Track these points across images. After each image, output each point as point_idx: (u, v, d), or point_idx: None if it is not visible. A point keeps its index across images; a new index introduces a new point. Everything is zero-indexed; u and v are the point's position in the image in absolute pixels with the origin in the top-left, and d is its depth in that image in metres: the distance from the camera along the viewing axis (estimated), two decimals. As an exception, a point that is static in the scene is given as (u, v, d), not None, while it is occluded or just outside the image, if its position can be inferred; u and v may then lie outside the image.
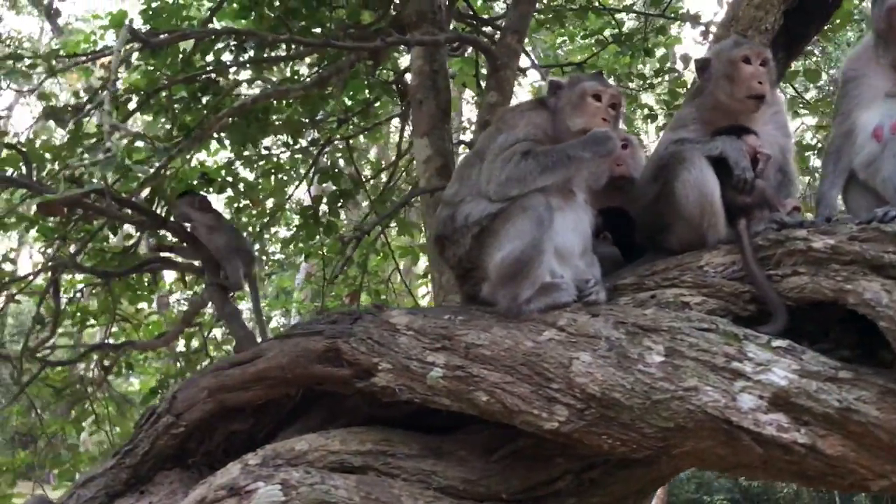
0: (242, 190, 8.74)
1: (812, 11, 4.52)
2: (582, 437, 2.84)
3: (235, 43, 7.88)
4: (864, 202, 3.16)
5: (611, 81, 3.55)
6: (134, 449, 3.52)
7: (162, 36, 5.29)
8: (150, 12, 8.14)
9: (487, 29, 7.59)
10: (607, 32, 8.24)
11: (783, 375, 2.60)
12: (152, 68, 7.67)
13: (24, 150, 5.74)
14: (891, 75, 3.18)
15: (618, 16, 8.17)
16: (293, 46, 7.46)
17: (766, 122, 3.36)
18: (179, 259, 6.26)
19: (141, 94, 7.50)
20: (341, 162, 9.77)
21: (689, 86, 8.73)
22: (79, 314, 7.82)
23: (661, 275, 3.18)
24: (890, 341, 2.51)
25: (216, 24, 7.71)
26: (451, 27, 6.19)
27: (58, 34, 7.77)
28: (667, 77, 8.12)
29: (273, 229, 10.37)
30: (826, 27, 6.03)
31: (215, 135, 7.87)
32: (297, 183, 9.70)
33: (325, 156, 10.24)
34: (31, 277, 6.80)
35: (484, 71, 7.74)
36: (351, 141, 9.67)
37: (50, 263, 5.96)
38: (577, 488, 3.19)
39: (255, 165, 9.22)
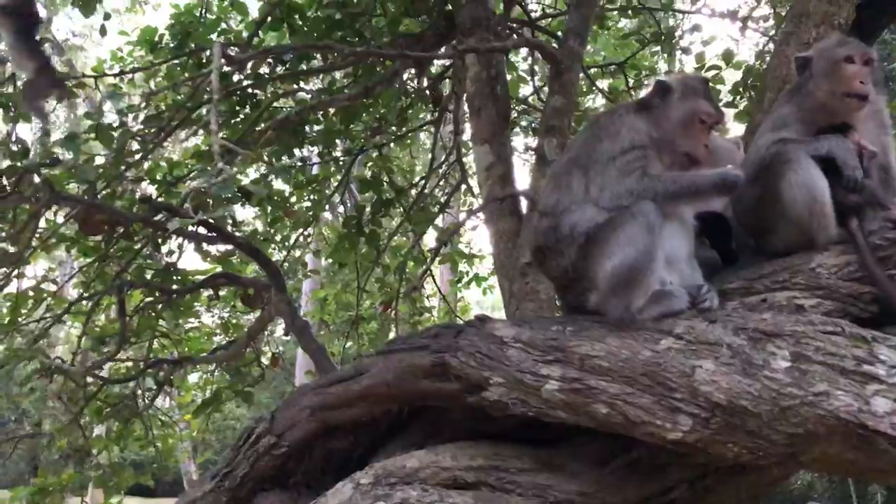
0: (278, 201, 8.71)
1: (883, 4, 4.48)
2: (707, 447, 2.79)
3: (274, 56, 7.90)
4: None
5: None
6: (232, 471, 3.49)
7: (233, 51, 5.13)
8: (180, 27, 8.18)
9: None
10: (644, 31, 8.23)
11: (921, 378, 2.55)
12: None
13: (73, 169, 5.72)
14: None
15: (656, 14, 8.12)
16: (330, 57, 7.50)
17: (867, 120, 3.30)
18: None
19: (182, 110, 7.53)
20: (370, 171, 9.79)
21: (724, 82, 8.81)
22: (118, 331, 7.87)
23: (770, 277, 3.13)
24: None
25: (256, 39, 7.72)
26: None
27: (58, 53, 7.74)
28: (706, 74, 8.06)
29: (309, 239, 10.37)
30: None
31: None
32: (331, 193, 9.71)
33: (360, 164, 10.27)
34: (86, 297, 6.76)
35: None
36: (384, 149, 9.65)
37: (116, 282, 5.90)
38: (692, 496, 3.15)
39: (292, 177, 9.21)
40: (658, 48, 8.04)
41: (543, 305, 4.58)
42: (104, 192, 6.80)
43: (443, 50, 7.01)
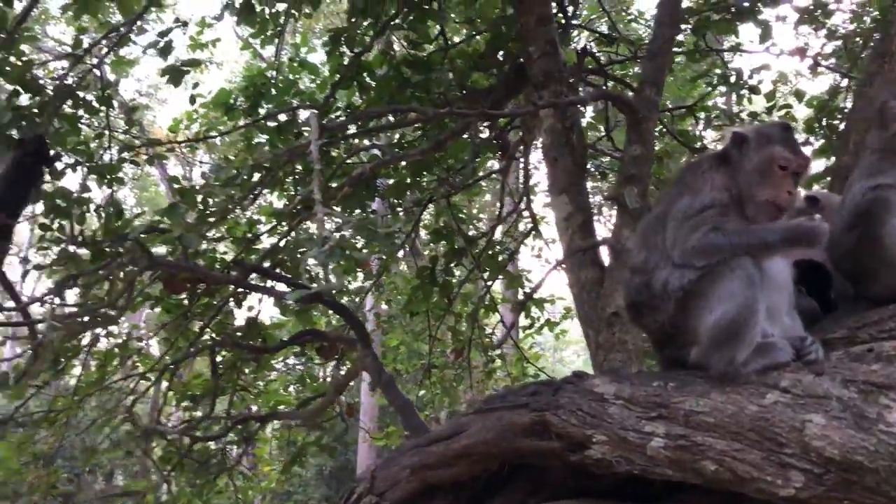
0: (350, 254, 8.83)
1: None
2: (820, 503, 2.73)
3: (349, 112, 8.13)
4: None
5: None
6: (335, 530, 3.53)
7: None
8: (253, 89, 8.47)
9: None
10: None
11: None
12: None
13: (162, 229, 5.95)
14: None
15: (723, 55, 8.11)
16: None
17: None
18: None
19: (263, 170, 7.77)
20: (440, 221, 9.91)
21: (796, 120, 8.71)
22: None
23: (875, 326, 3.06)
24: None
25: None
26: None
27: (128, 114, 8.07)
28: (779, 113, 7.99)
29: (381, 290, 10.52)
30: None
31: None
32: (401, 243, 9.83)
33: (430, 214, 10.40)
34: (172, 358, 6.96)
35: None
36: (452, 198, 9.76)
37: (207, 342, 6.08)
38: (804, 554, 3.05)
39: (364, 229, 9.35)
40: (726, 89, 8.01)
41: (631, 356, 4.56)
42: (189, 252, 7.04)
43: (511, 104, 7.12)
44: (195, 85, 7.68)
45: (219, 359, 7.67)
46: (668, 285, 3.11)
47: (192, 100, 7.58)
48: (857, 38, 7.58)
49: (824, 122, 7.52)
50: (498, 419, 3.26)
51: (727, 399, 2.90)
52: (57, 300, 5.13)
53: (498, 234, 9.95)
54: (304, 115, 8.36)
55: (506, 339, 6.92)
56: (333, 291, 5.25)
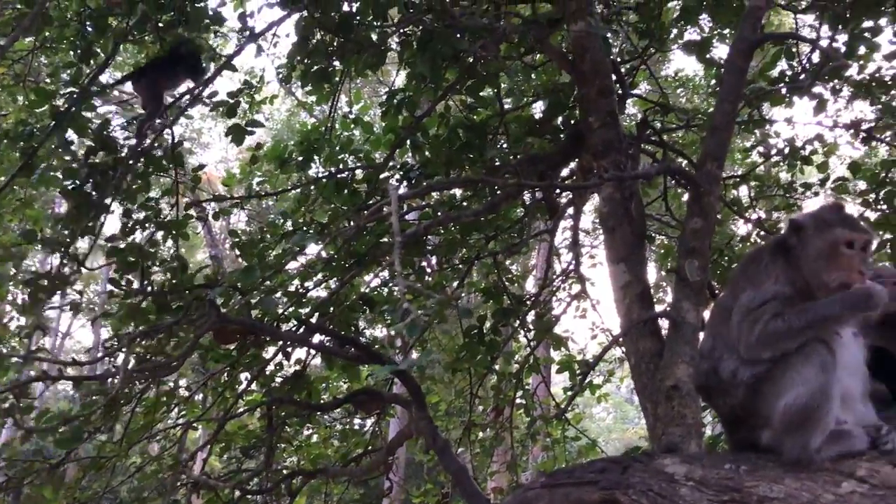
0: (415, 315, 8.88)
1: None
2: None
3: (402, 173, 8.29)
4: None
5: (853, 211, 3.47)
6: None
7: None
8: (307, 145, 8.68)
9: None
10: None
11: None
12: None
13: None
14: None
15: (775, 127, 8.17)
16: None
17: None
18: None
19: (316, 225, 7.94)
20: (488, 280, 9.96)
21: (850, 192, 8.69)
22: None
23: (953, 417, 3.04)
24: None
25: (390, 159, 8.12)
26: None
27: (196, 181, 8.33)
28: (831, 185, 7.99)
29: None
30: None
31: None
32: (449, 300, 9.87)
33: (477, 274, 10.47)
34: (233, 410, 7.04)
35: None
36: (499, 257, 9.82)
37: (265, 397, 6.17)
38: None
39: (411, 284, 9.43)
40: (780, 159, 8.04)
41: (691, 430, 4.53)
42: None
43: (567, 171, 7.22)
44: (258, 146, 7.90)
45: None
46: (736, 374, 3.11)
47: (254, 160, 7.80)
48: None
49: (881, 195, 7.49)
50: (565, 495, 3.27)
51: (801, 486, 2.88)
52: (122, 351, 5.24)
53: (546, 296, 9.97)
54: (358, 172, 8.58)
55: (565, 411, 6.83)
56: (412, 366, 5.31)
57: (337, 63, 7.92)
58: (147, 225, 6.39)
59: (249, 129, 7.09)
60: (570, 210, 8.75)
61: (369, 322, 9.70)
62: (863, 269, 3.13)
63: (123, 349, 5.11)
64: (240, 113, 7.42)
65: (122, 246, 5.97)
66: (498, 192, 7.32)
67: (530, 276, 16.21)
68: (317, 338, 7.45)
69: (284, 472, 7.49)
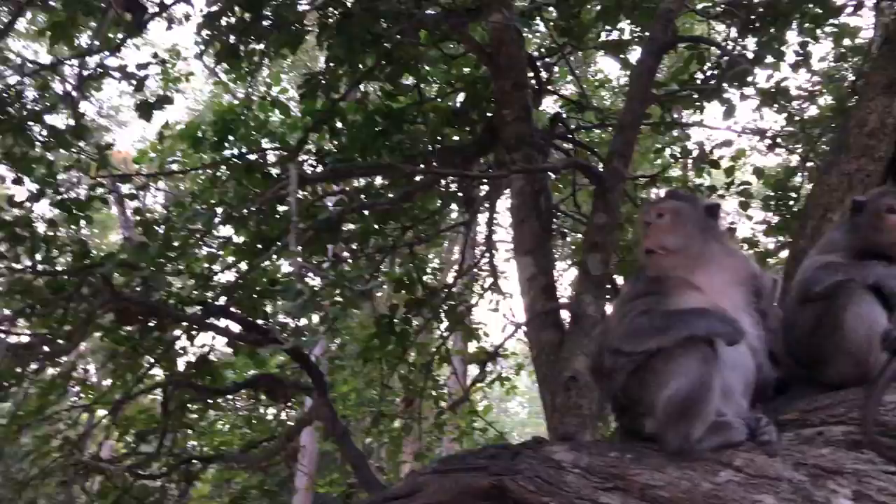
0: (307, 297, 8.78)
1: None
2: (768, 584, 2.78)
3: (317, 158, 8.17)
4: None
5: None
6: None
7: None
8: (223, 124, 8.48)
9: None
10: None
11: (984, 524, 2.56)
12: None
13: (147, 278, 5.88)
14: None
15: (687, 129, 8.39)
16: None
17: None
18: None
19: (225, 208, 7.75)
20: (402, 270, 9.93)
21: (754, 195, 8.98)
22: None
23: (826, 411, 3.15)
24: None
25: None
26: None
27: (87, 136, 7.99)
28: (737, 189, 8.25)
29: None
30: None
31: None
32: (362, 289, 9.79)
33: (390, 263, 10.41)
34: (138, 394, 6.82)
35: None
36: (415, 247, 9.79)
37: (164, 380, 5.99)
38: None
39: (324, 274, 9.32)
40: (689, 162, 8.26)
41: (586, 421, 4.61)
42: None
43: (482, 163, 7.24)
44: (166, 124, 7.67)
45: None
46: (617, 360, 3.19)
47: (161, 137, 7.57)
48: (812, 124, 7.90)
49: (781, 200, 7.78)
50: (455, 481, 3.26)
51: (682, 475, 2.95)
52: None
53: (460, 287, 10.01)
54: (271, 155, 8.42)
55: (467, 395, 6.87)
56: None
57: (259, 45, 7.75)
58: (42, 199, 6.09)
59: (158, 105, 6.85)
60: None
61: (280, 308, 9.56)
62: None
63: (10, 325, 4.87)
64: (156, 89, 7.19)
65: (10, 218, 5.69)
66: (418, 180, 7.33)
67: (452, 269, 16.26)
68: (223, 323, 7.31)
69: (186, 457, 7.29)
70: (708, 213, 3.37)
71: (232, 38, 6.85)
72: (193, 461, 6.86)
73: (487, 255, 8.71)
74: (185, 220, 7.15)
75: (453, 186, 8.51)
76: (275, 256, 8.20)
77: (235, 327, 7.09)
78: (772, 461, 2.91)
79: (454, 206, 9.62)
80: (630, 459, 3.08)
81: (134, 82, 7.15)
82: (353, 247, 9.22)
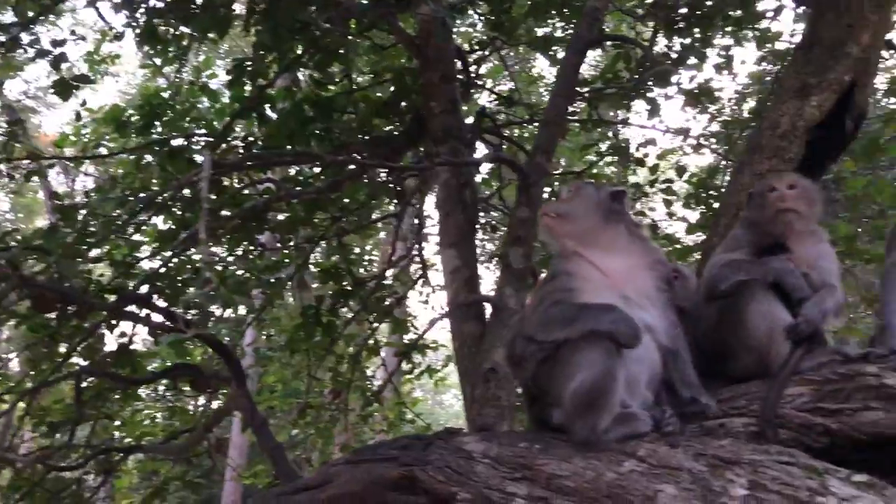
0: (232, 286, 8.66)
1: (829, 143, 4.80)
2: (669, 571, 2.85)
3: (244, 145, 8.03)
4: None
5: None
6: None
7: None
8: (149, 108, 8.29)
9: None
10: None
11: (868, 511, 2.68)
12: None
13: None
14: None
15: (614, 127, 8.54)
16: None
17: (804, 239, 3.52)
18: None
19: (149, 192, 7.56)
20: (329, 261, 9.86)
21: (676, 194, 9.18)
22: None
23: (728, 403, 3.26)
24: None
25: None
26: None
27: (11, 115, 7.75)
28: (661, 186, 8.43)
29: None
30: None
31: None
32: (288, 279, 9.70)
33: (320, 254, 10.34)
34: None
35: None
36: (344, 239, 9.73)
37: (77, 369, 5.81)
38: None
39: (251, 262, 9.20)
40: (614, 159, 8.40)
41: (504, 412, 4.66)
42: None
43: (410, 155, 7.23)
44: (83, 103, 7.42)
45: (84, 385, 7.31)
46: (527, 349, 3.25)
47: (78, 116, 7.33)
48: (734, 126, 8.12)
49: (702, 197, 7.97)
50: (367, 471, 3.27)
51: (587, 465, 3.01)
52: None
53: (390, 279, 9.98)
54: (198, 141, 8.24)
55: (385, 386, 6.86)
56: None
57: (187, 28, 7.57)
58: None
59: (76, 84, 6.62)
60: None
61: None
62: None
63: None
64: (80, 69, 6.94)
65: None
66: (347, 170, 7.26)
67: (377, 258, 16.21)
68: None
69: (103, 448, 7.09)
70: (612, 198, 3.47)
71: (150, 20, 6.65)
72: (111, 452, 6.67)
73: (417, 247, 8.69)
74: (93, 205, 6.94)
75: (384, 177, 8.48)
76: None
77: (157, 317, 6.91)
78: (674, 452, 2.99)
79: (385, 198, 9.57)
80: (538, 450, 3.13)
81: (51, 60, 6.90)
82: (281, 236, 9.13)
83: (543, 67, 13.16)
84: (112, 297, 6.94)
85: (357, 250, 14.33)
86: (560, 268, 3.37)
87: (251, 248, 8.80)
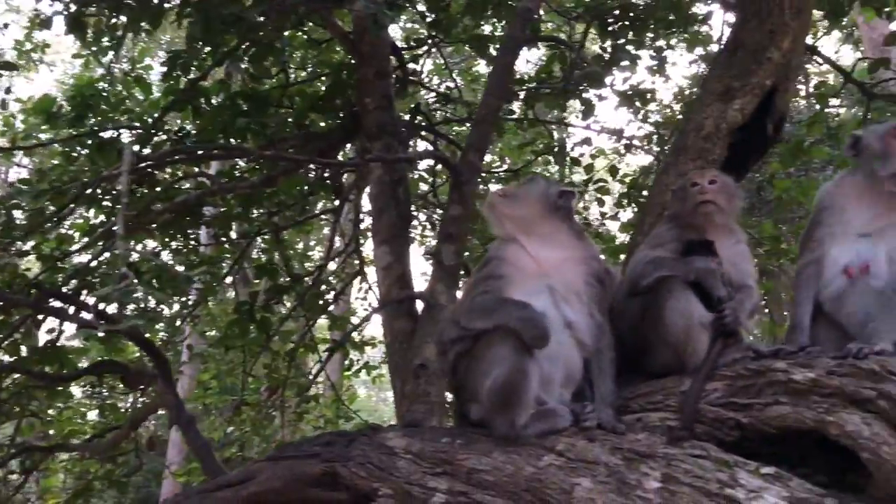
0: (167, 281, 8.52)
1: (751, 145, 4.95)
2: (582, 562, 2.91)
3: (176, 138, 7.89)
4: (829, 333, 3.43)
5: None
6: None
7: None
8: (81, 100, 8.08)
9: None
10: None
11: (774, 502, 2.77)
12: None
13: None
14: (865, 213, 3.49)
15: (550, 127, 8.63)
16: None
17: (723, 236, 3.62)
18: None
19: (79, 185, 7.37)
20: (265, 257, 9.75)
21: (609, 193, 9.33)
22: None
23: (645, 398, 3.35)
24: (872, 470, 2.73)
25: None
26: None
27: None
28: (594, 186, 8.55)
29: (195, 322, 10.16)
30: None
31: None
32: (223, 275, 9.57)
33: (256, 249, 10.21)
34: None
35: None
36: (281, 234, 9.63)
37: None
38: None
39: (185, 258, 9.05)
40: (550, 158, 8.50)
41: (434, 408, 4.69)
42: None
43: (349, 149, 7.20)
44: (7, 90, 7.21)
45: (8, 382, 7.11)
46: (452, 339, 3.30)
47: (4, 104, 7.11)
48: (665, 127, 8.30)
49: (634, 196, 8.12)
50: (289, 468, 3.26)
51: (507, 459, 3.06)
52: None
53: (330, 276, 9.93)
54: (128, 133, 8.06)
55: (313, 381, 6.83)
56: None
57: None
58: None
59: (-1, 71, 6.43)
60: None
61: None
62: None
63: None
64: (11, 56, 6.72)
65: None
66: (281, 166, 7.19)
67: (317, 253, 16.11)
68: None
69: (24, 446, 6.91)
70: (560, 195, 3.56)
71: (79, 8, 6.48)
72: (32, 451, 6.50)
73: (353, 243, 8.66)
74: (14, 196, 6.75)
75: (319, 173, 8.42)
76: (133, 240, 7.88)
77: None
78: (591, 446, 3.06)
79: (323, 193, 9.50)
80: (460, 445, 3.17)
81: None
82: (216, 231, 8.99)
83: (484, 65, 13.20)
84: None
85: (300, 246, 14.25)
86: (495, 252, 3.45)
87: (187, 242, 8.67)
